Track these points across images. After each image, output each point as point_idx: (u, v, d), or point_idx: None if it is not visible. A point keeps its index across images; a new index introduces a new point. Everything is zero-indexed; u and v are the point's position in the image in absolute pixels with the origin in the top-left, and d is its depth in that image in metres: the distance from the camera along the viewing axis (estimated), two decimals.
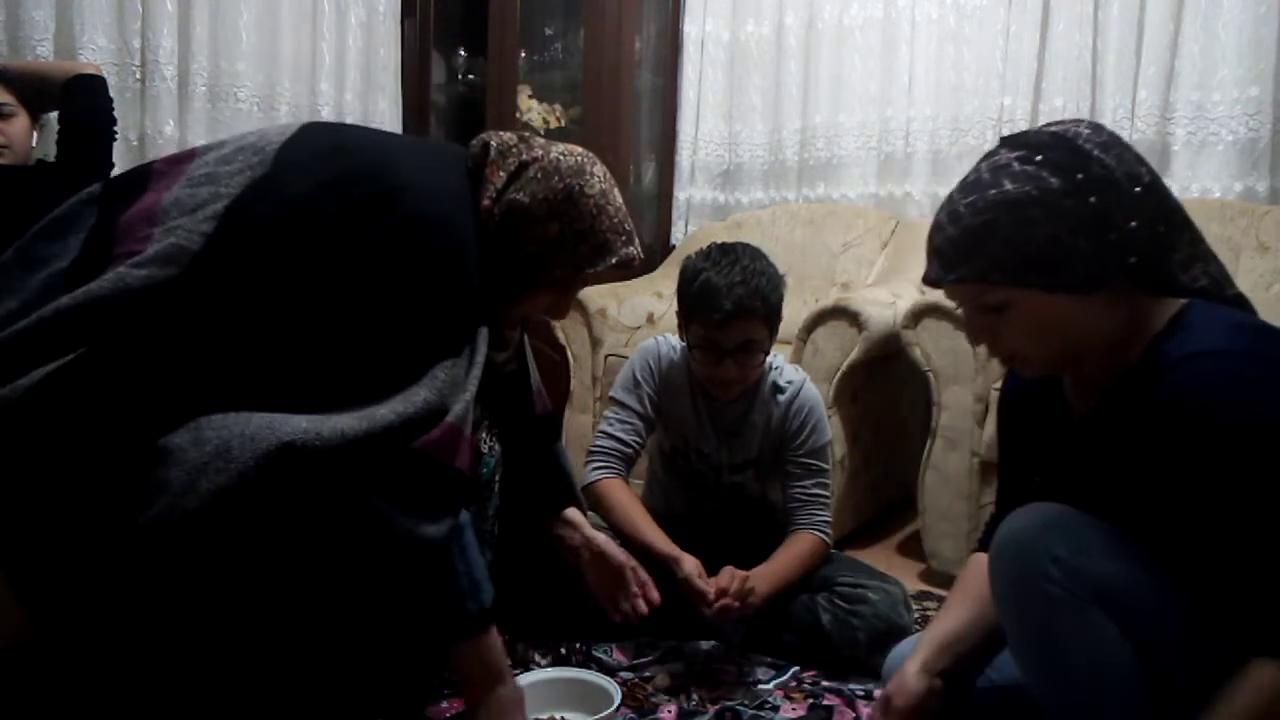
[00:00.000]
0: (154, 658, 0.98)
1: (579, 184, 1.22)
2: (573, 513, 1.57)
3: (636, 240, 1.30)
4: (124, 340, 0.96)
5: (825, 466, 1.82)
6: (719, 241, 1.76)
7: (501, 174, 1.20)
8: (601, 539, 1.56)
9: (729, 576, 1.61)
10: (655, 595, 1.55)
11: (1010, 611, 1.08)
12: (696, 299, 1.68)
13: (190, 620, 0.96)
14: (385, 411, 0.98)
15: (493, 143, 1.23)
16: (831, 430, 2.32)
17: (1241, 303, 1.04)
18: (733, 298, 1.63)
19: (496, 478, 1.52)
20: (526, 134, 1.28)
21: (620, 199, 1.29)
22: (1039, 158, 0.98)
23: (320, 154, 1.09)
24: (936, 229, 1.05)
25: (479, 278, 1.12)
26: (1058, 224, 0.96)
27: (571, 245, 1.23)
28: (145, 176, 1.10)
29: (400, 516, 0.99)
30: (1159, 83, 2.60)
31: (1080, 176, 0.96)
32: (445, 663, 1.56)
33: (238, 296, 1.00)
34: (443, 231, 1.08)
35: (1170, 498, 0.97)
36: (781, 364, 1.86)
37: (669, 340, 1.88)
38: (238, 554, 0.94)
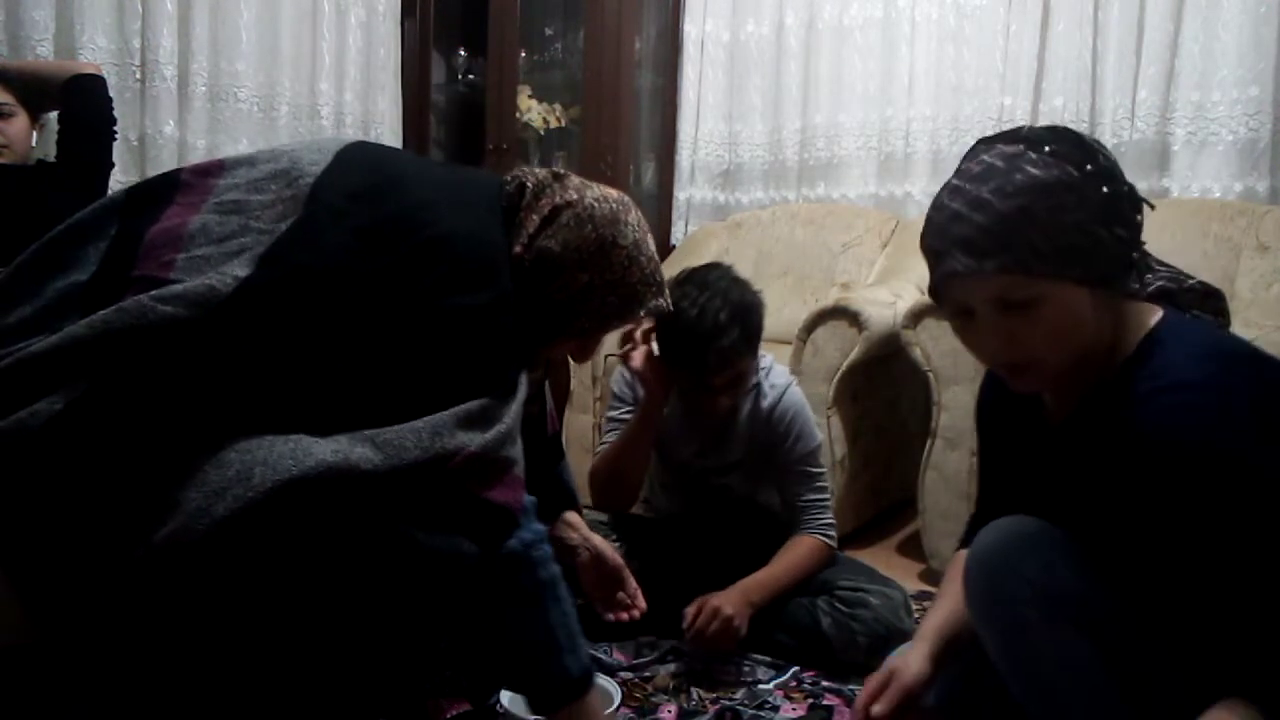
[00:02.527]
0: (159, 664, 0.98)
1: (612, 234, 1.19)
2: (572, 516, 1.57)
3: (666, 291, 1.28)
4: (142, 371, 0.95)
5: (819, 470, 1.82)
6: (688, 271, 1.72)
7: (535, 218, 1.17)
8: (598, 541, 1.56)
9: (708, 615, 1.62)
10: (642, 603, 1.56)
11: (986, 629, 1.09)
12: (680, 349, 1.66)
13: (194, 635, 0.96)
14: (411, 445, 0.96)
15: (528, 184, 1.20)
16: (831, 430, 2.33)
17: (1209, 294, 1.03)
18: (717, 351, 1.61)
19: None
20: (561, 172, 1.25)
21: (653, 247, 1.26)
22: (1048, 149, 0.95)
23: (357, 196, 1.05)
24: (955, 219, 0.96)
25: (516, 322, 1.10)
26: (1084, 211, 0.93)
27: (600, 296, 1.20)
28: (171, 187, 1.08)
29: (423, 535, 0.97)
30: (1159, 83, 2.61)
31: (1090, 167, 0.94)
32: (445, 663, 1.57)
33: (266, 337, 0.98)
34: (483, 280, 1.06)
35: (1137, 521, 0.97)
36: (770, 364, 1.85)
37: None
38: (248, 576, 0.94)
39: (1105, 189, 0.94)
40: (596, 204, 1.20)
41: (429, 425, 0.97)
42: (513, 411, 1.06)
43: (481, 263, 1.07)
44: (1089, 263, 0.94)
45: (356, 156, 1.12)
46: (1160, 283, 1.01)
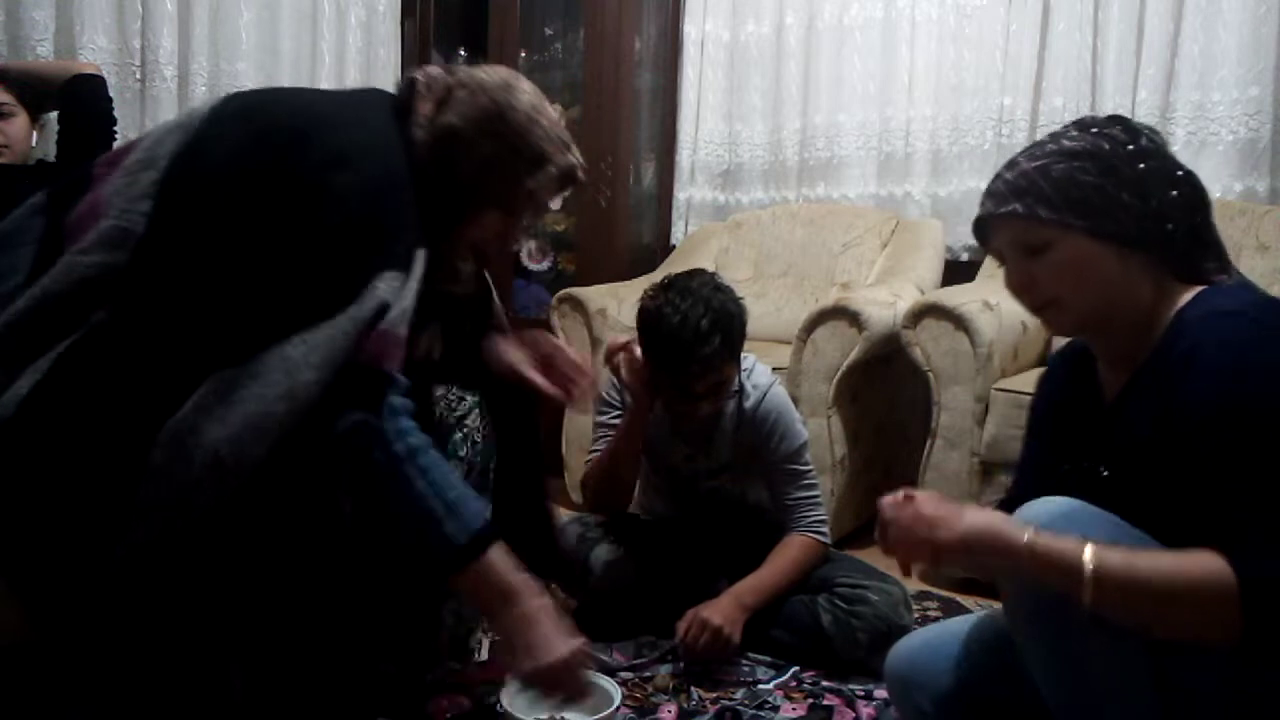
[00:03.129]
0: (154, 656, 0.98)
1: (507, 98, 1.23)
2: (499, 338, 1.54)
3: (575, 150, 1.30)
4: (94, 335, 0.96)
5: (805, 468, 1.82)
6: (671, 277, 1.74)
7: (429, 103, 1.21)
8: (512, 348, 1.52)
9: (697, 629, 1.63)
10: (588, 370, 1.51)
11: (1021, 607, 1.09)
12: (662, 355, 1.68)
13: (186, 615, 0.96)
14: (340, 345, 0.98)
15: (417, 76, 1.24)
16: (831, 430, 2.33)
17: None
18: (699, 358, 1.63)
19: (491, 465, 1.52)
20: (449, 64, 1.29)
21: (554, 112, 1.30)
22: (1094, 129, 1.08)
23: (240, 115, 1.10)
24: (995, 178, 1.12)
25: (416, 205, 1.11)
26: (1106, 177, 1.04)
27: (508, 160, 1.23)
28: (87, 179, 1.11)
29: (326, 418, 0.99)
30: (1159, 83, 2.60)
31: (1130, 147, 1.06)
32: (443, 659, 1.57)
33: (190, 268, 1.00)
34: (364, 156, 1.08)
35: (1187, 460, 0.98)
36: (753, 364, 1.85)
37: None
38: (230, 548, 0.94)
39: (1142, 165, 1.05)
40: (486, 76, 1.25)
41: (352, 322, 0.99)
42: (412, 289, 1.07)
43: (365, 141, 1.09)
44: (1100, 219, 1.04)
45: (247, 92, 1.18)
46: (1230, 283, 1.07)
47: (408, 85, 1.24)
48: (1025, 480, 1.27)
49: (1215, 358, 0.97)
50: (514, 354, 1.50)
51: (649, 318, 1.69)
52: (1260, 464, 0.92)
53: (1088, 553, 0.92)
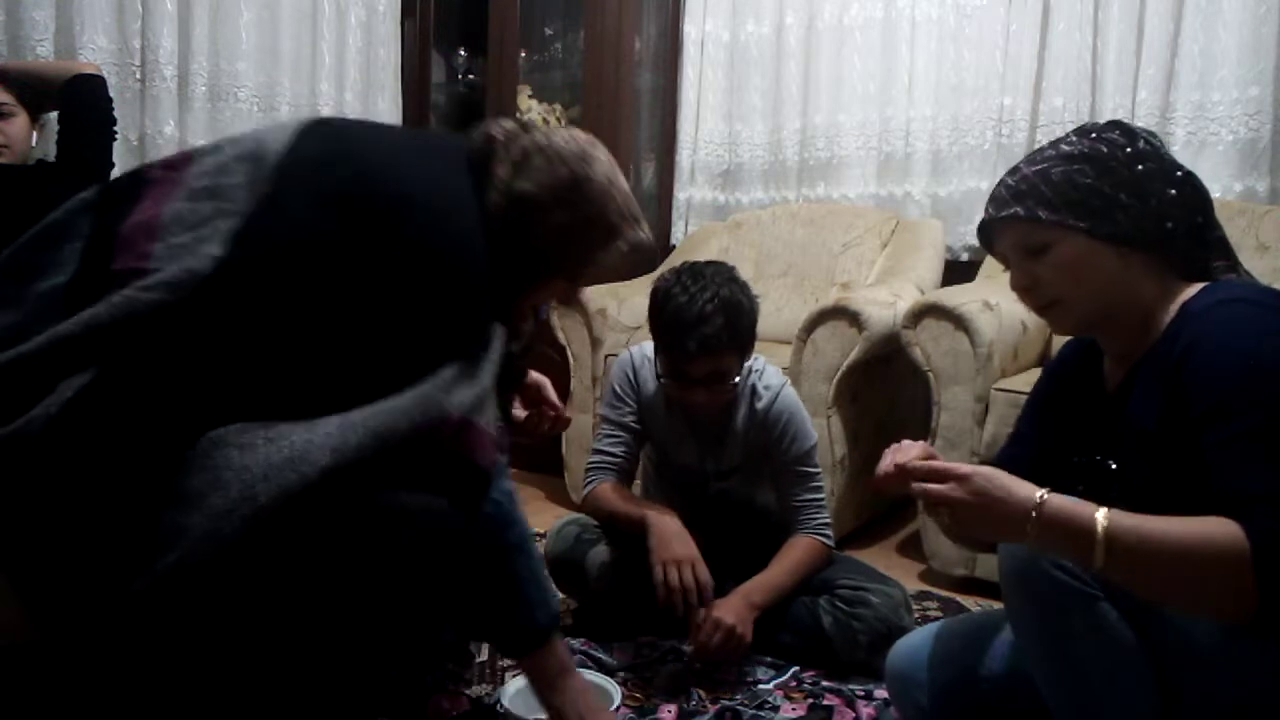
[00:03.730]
0: (161, 666, 0.98)
1: (584, 170, 1.21)
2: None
3: (645, 224, 1.29)
4: (134, 363, 0.95)
5: (814, 470, 1.82)
6: (689, 263, 1.75)
7: (506, 166, 1.19)
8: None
9: (710, 628, 1.63)
10: (565, 413, 1.64)
11: (1018, 597, 1.09)
12: (664, 333, 1.68)
13: (199, 642, 0.96)
14: (404, 424, 0.96)
15: (495, 134, 1.22)
16: (831, 430, 2.33)
17: None
18: (698, 337, 1.62)
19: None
20: (526, 119, 1.27)
21: (625, 183, 1.28)
22: (1094, 134, 1.11)
23: (320, 164, 1.07)
24: (997, 185, 1.15)
25: (489, 274, 1.10)
26: (1105, 179, 1.07)
27: (581, 233, 1.21)
28: (142, 184, 1.08)
29: (418, 508, 0.99)
30: (1159, 83, 2.60)
31: (1129, 150, 1.08)
32: (443, 658, 1.57)
33: (248, 316, 0.98)
34: (451, 238, 1.06)
35: (1195, 438, 0.98)
36: (763, 365, 1.85)
37: (643, 350, 1.88)
38: (254, 583, 0.94)
39: (1140, 167, 1.07)
40: (565, 144, 1.22)
41: (418, 399, 0.98)
42: (490, 369, 1.06)
43: (445, 222, 1.07)
44: (1099, 220, 1.06)
45: (319, 129, 1.13)
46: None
47: (485, 141, 1.21)
48: (1013, 457, 1.27)
49: (1219, 336, 0.98)
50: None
51: (658, 296, 1.71)
52: (1270, 434, 0.93)
53: (1100, 513, 0.92)
